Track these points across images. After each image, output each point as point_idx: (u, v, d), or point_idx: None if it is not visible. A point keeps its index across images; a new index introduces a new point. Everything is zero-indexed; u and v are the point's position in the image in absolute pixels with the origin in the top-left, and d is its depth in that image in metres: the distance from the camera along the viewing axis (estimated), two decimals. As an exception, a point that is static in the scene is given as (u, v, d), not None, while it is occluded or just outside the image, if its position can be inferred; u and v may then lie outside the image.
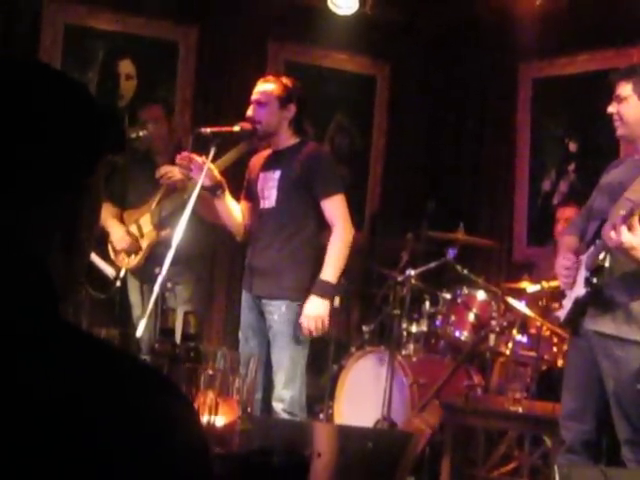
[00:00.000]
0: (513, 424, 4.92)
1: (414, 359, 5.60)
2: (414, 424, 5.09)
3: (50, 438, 0.96)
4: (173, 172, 4.89)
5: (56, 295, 1.08)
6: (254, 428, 2.35)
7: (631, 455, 3.69)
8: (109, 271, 5.35)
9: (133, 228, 5.39)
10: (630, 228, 3.42)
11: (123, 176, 5.37)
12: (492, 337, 5.33)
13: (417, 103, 7.52)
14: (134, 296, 5.46)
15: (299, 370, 4.46)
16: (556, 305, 4.76)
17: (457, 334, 5.56)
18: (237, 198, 4.75)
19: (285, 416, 4.36)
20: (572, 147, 6.72)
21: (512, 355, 5.22)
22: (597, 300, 3.76)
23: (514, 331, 5.24)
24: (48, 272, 1.09)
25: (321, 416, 5.75)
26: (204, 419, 2.17)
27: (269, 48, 7.00)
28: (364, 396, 5.49)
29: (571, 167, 6.72)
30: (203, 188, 4.33)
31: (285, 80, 4.56)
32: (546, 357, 5.05)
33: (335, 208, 4.44)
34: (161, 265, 3.96)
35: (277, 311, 4.42)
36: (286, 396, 4.40)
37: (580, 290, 3.81)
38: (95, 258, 5.30)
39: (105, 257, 5.38)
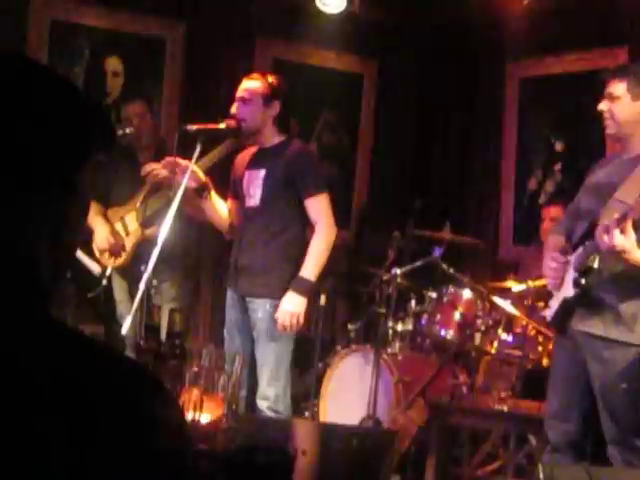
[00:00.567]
0: (498, 423, 4.93)
1: (400, 357, 5.60)
2: (399, 422, 5.09)
3: (38, 434, 0.96)
4: (158, 170, 4.87)
5: (45, 293, 1.08)
6: (239, 426, 2.35)
7: (618, 455, 3.70)
8: (95, 268, 5.34)
9: (118, 226, 5.37)
10: (623, 231, 3.43)
11: (106, 174, 5.35)
12: (477, 336, 5.34)
13: (404, 102, 7.53)
14: (119, 294, 5.45)
15: (283, 368, 4.46)
16: (541, 304, 4.78)
17: (443, 333, 5.56)
18: (224, 196, 4.75)
19: (269, 414, 4.36)
20: (558, 147, 6.74)
21: (497, 354, 5.23)
22: (586, 301, 3.76)
23: (499, 330, 5.24)
24: (37, 270, 1.08)
25: (306, 414, 5.74)
26: (189, 416, 2.17)
27: (257, 45, 6.98)
28: (349, 394, 5.49)
29: (557, 167, 6.73)
30: (188, 189, 4.34)
31: (270, 78, 4.55)
32: (531, 356, 5.06)
33: (318, 207, 4.43)
34: (147, 263, 3.96)
35: (261, 309, 4.42)
36: (270, 394, 4.40)
37: (569, 291, 3.81)
38: (81, 255, 5.29)
39: (90, 255, 5.36)
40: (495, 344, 5.25)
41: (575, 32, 6.49)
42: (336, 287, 6.68)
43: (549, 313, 4.00)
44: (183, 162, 4.40)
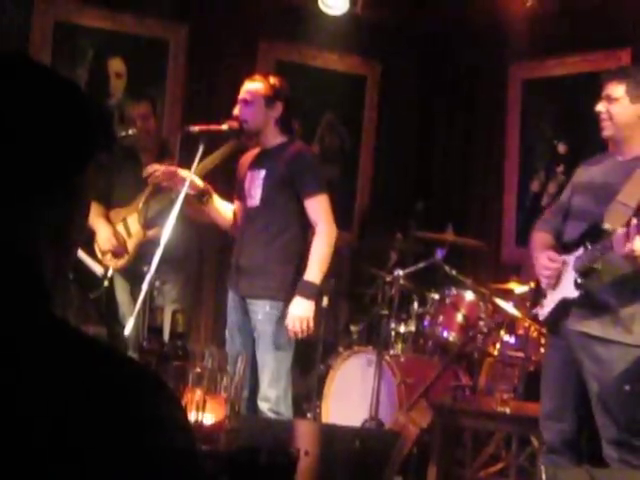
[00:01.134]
0: (501, 425, 4.92)
1: (402, 359, 5.60)
2: (402, 424, 5.09)
3: (39, 435, 0.96)
4: (161, 171, 4.88)
5: (48, 292, 1.08)
6: (241, 426, 2.35)
7: (615, 454, 3.70)
8: (97, 269, 5.34)
9: (120, 227, 5.37)
10: None
11: (109, 174, 5.36)
12: (480, 338, 5.34)
13: (407, 103, 7.53)
14: (122, 295, 5.45)
15: (284, 369, 4.45)
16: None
17: (445, 334, 5.56)
18: (229, 197, 4.76)
19: (271, 415, 4.36)
20: (561, 149, 6.74)
21: (500, 356, 5.23)
22: (584, 302, 3.77)
23: (502, 332, 5.25)
24: (38, 270, 1.08)
25: (309, 415, 5.75)
26: (192, 417, 2.17)
27: (259, 47, 6.99)
28: (352, 396, 5.49)
29: (560, 169, 6.73)
30: (189, 195, 4.37)
31: (272, 79, 4.56)
32: (534, 358, 5.06)
33: (318, 208, 4.43)
34: (149, 264, 3.97)
35: (261, 310, 4.41)
36: (271, 395, 4.40)
37: (566, 291, 3.81)
38: (84, 256, 5.29)
39: (92, 256, 5.36)
40: (497, 346, 5.25)
41: (578, 34, 6.49)
42: (339, 289, 6.68)
43: (542, 312, 4.00)
44: (182, 173, 4.43)
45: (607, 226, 3.63)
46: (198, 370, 2.27)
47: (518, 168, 7.03)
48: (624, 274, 3.63)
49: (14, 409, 0.96)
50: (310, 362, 6.00)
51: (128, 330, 3.93)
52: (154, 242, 4.21)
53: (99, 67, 6.52)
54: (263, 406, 4.40)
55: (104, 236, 5.33)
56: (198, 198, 4.56)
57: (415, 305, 5.88)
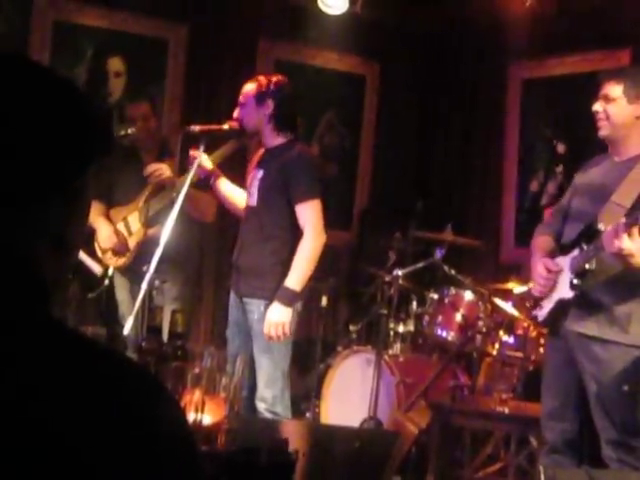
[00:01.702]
0: (499, 424, 4.93)
1: (401, 359, 5.61)
2: (400, 424, 5.09)
3: (36, 436, 0.96)
4: (162, 170, 4.89)
5: (47, 294, 1.08)
6: (240, 427, 2.35)
7: (614, 455, 3.71)
8: (97, 269, 5.34)
9: (121, 226, 5.37)
10: (630, 235, 3.44)
11: (109, 173, 5.36)
12: (479, 337, 5.34)
13: (406, 103, 7.54)
14: (121, 294, 5.45)
15: (280, 370, 4.44)
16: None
17: (444, 334, 5.56)
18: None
19: (268, 416, 4.35)
20: (560, 148, 6.74)
21: (499, 356, 5.23)
22: (581, 302, 3.77)
23: (501, 332, 5.24)
24: (39, 272, 1.08)
25: (308, 415, 5.75)
26: (191, 417, 2.17)
27: (259, 46, 6.99)
28: (351, 395, 5.50)
29: (559, 169, 6.73)
30: (196, 181, 4.38)
31: (264, 78, 4.54)
32: (532, 358, 5.06)
33: (307, 214, 4.39)
34: (149, 263, 3.96)
35: (257, 310, 4.41)
36: (268, 396, 4.39)
37: (564, 292, 3.82)
38: (83, 256, 5.29)
39: (92, 255, 5.36)
40: (496, 345, 5.25)
41: (577, 34, 6.49)
42: (338, 288, 6.68)
43: (541, 313, 4.00)
44: (193, 153, 4.46)
45: (601, 226, 3.63)
46: (197, 370, 2.27)
47: (517, 168, 7.03)
48: (618, 274, 3.64)
49: (11, 411, 0.96)
50: (309, 361, 6.01)
51: (127, 330, 3.93)
52: (155, 241, 4.20)
53: (98, 66, 6.52)
54: (260, 406, 4.40)
55: (105, 234, 5.33)
56: (206, 180, 4.56)
57: (414, 305, 5.88)
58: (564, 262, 3.85)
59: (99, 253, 5.38)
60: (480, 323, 5.37)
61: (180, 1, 6.76)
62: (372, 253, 6.79)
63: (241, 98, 4.51)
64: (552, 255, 3.96)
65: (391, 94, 7.47)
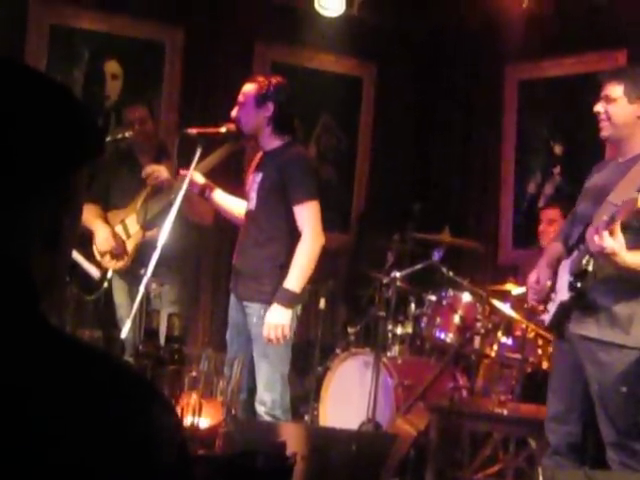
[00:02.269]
0: (498, 426, 4.92)
1: (399, 361, 5.60)
2: (399, 426, 5.09)
3: (30, 442, 0.96)
4: (159, 171, 4.88)
5: (36, 297, 1.08)
6: (238, 430, 2.35)
7: (616, 457, 3.70)
8: (94, 272, 5.33)
9: (119, 228, 5.37)
10: (611, 233, 3.43)
11: (106, 176, 5.36)
12: (477, 339, 5.34)
13: (403, 104, 7.54)
14: (119, 297, 5.44)
15: (279, 373, 4.44)
16: (541, 307, 4.77)
17: (442, 336, 5.56)
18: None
19: (267, 419, 4.35)
20: (557, 150, 6.74)
21: (497, 357, 5.23)
22: (581, 304, 3.77)
23: (499, 333, 5.25)
24: (28, 273, 1.08)
25: (306, 418, 5.74)
26: (188, 421, 2.17)
27: (256, 49, 6.99)
28: (349, 398, 5.49)
29: (556, 170, 6.73)
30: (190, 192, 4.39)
31: (264, 79, 4.53)
32: (531, 359, 5.06)
33: (305, 215, 4.38)
34: (147, 266, 3.96)
35: (256, 314, 4.40)
36: (267, 399, 4.39)
37: (564, 294, 3.82)
38: (80, 259, 5.28)
39: (90, 258, 5.35)
40: (495, 347, 5.25)
41: (574, 35, 6.50)
42: (336, 290, 6.68)
43: (547, 317, 4.00)
44: (183, 173, 4.47)
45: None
46: (194, 374, 2.27)
47: (514, 169, 7.03)
48: (618, 275, 3.62)
49: (4, 417, 0.96)
50: (307, 364, 6.00)
51: (125, 333, 3.93)
52: (153, 243, 4.20)
53: (95, 69, 6.52)
54: (260, 409, 4.40)
55: (103, 237, 5.32)
56: (200, 194, 4.58)
57: (412, 307, 5.88)
58: (566, 265, 3.86)
59: (97, 256, 5.37)
60: (478, 325, 5.37)
61: (176, 4, 6.75)
62: (370, 255, 6.79)
63: (240, 97, 4.49)
64: (559, 260, 3.96)
65: (388, 96, 7.47)
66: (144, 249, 4.98)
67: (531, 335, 5.06)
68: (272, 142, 4.53)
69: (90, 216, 5.28)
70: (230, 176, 4.86)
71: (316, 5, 6.55)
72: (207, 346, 6.36)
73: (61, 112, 1.13)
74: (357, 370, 5.55)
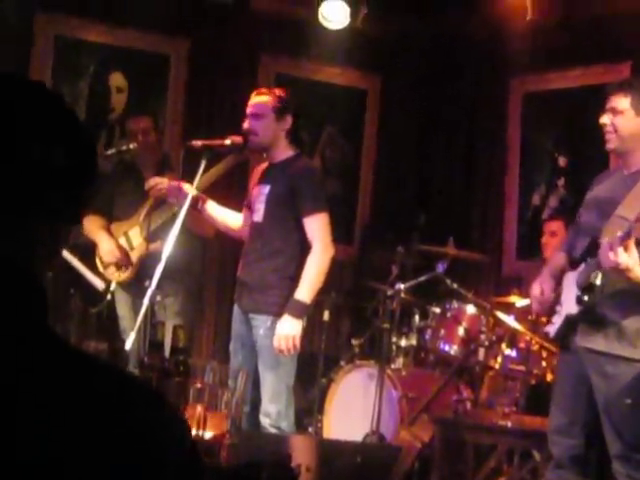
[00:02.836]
0: (502, 438, 4.91)
1: (404, 373, 5.60)
2: (403, 438, 5.08)
3: (36, 451, 0.96)
4: (163, 183, 4.88)
5: (45, 308, 1.09)
6: (242, 442, 2.35)
7: (622, 469, 3.69)
8: (99, 284, 5.33)
9: (122, 241, 5.37)
10: (626, 249, 3.42)
11: (110, 188, 5.36)
12: (481, 351, 5.33)
13: (408, 117, 7.54)
14: (123, 309, 5.44)
15: (285, 385, 4.43)
16: (545, 319, 4.77)
17: (446, 348, 5.56)
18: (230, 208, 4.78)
19: (272, 431, 4.34)
20: (562, 162, 6.74)
21: (501, 369, 5.22)
22: (588, 317, 3.76)
23: (503, 345, 5.24)
24: (39, 284, 1.09)
25: (310, 430, 5.74)
26: (192, 433, 2.17)
27: (261, 61, 7.02)
28: (353, 410, 5.48)
29: (561, 182, 6.73)
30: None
31: (278, 92, 4.55)
32: (535, 371, 5.05)
33: (315, 227, 4.39)
34: (151, 278, 3.96)
35: (262, 326, 4.40)
36: (272, 411, 4.38)
37: (571, 307, 3.81)
38: (84, 271, 5.29)
39: (94, 269, 5.36)
40: (499, 359, 5.24)
41: (578, 47, 6.51)
42: (340, 302, 6.68)
43: (552, 329, 4.00)
44: (185, 187, 4.46)
45: (604, 240, 3.62)
46: (199, 386, 2.27)
47: (519, 181, 7.03)
48: (626, 289, 3.62)
49: (10, 425, 0.96)
50: (311, 376, 6.00)
51: (129, 345, 3.93)
52: (157, 255, 4.20)
53: (100, 82, 6.54)
54: (264, 421, 4.39)
55: (107, 249, 5.32)
56: (193, 206, 4.58)
57: (416, 319, 5.87)
58: (572, 277, 3.85)
59: (101, 268, 5.37)
60: (482, 337, 5.36)
61: (181, 16, 6.77)
62: (374, 267, 6.78)
63: (257, 110, 4.48)
64: (562, 271, 3.96)
65: (392, 108, 7.48)
66: (148, 261, 4.98)
67: (535, 347, 5.05)
68: (284, 153, 4.54)
69: (94, 227, 5.29)
70: (233, 188, 4.86)
71: (320, 17, 6.57)
72: (211, 357, 6.37)
73: (55, 128, 1.13)
74: (361, 382, 5.55)
